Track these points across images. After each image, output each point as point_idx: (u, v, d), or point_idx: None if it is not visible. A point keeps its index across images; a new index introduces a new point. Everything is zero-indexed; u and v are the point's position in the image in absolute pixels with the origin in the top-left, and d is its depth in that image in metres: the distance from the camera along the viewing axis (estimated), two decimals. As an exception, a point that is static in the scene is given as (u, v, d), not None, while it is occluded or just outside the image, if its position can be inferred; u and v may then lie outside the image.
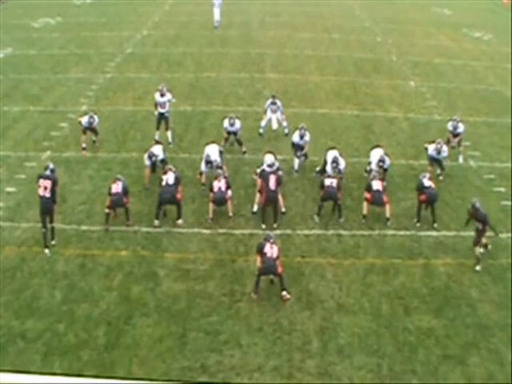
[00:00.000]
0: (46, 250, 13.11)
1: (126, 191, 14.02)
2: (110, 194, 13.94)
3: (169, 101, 18.09)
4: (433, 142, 16.12)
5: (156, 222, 14.08)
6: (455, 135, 17.27)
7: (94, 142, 18.20)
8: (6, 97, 21.76)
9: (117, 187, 13.89)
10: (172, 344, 10.61)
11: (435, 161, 16.10)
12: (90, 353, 10.44)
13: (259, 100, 20.83)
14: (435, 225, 14.17)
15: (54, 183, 13.06)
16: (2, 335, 10.79)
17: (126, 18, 34.27)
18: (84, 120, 17.55)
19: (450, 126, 17.39)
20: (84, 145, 17.65)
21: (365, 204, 14.37)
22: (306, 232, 14.03)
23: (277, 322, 11.16)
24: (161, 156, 15.71)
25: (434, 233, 14.06)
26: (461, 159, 17.44)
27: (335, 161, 15.05)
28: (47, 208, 13.02)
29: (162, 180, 14.30)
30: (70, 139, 18.56)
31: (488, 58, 28.35)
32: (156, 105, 18.04)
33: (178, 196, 14.15)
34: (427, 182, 14.16)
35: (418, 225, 14.29)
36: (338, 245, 13.51)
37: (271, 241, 11.78)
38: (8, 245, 13.44)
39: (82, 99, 21.71)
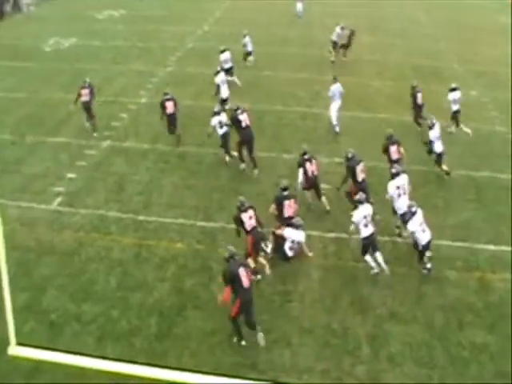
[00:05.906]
0: None
1: None
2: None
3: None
4: None
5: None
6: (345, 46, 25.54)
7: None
8: (70, 85, 22.27)
9: None
10: (223, 338, 10.67)
11: None
12: (142, 341, 10.63)
13: (318, 101, 20.74)
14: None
15: (92, 92, 18.61)
16: (58, 316, 11.11)
17: (188, 13, 34.74)
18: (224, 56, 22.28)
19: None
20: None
21: None
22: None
23: (328, 325, 11.09)
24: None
25: (491, 247, 13.72)
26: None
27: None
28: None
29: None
30: (129, 130, 18.94)
31: (555, 70, 27.42)
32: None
33: None
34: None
35: None
36: (392, 251, 13.29)
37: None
38: (66, 229, 13.81)
39: (142, 91, 22.09)
